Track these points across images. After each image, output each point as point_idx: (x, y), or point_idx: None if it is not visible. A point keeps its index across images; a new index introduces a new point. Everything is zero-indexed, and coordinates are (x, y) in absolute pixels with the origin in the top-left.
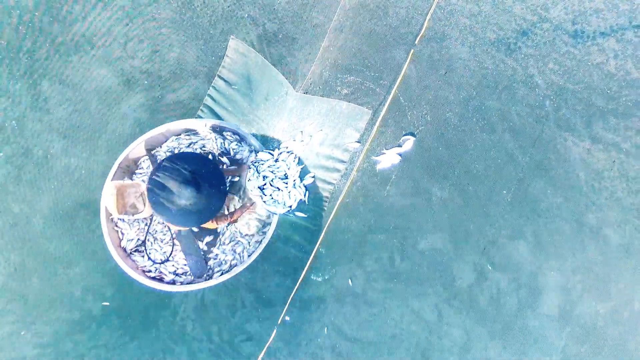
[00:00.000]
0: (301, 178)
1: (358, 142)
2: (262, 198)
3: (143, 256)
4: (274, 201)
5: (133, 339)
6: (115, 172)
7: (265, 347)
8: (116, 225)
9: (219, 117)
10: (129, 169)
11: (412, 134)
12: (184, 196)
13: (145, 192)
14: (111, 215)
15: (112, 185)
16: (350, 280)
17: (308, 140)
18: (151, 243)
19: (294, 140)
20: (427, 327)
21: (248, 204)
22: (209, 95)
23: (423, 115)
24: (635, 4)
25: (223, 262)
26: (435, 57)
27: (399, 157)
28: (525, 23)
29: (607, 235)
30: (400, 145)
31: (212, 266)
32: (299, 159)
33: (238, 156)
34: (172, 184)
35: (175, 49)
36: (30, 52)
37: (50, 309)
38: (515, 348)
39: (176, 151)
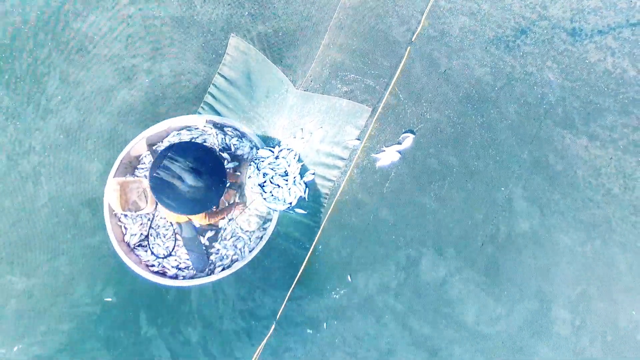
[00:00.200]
0: (301, 175)
1: (358, 139)
2: (262, 195)
3: (146, 251)
4: (274, 198)
5: (134, 334)
6: (118, 168)
7: (264, 341)
8: (119, 221)
9: (219, 115)
10: (131, 165)
11: (412, 132)
12: (187, 183)
13: (147, 189)
14: (114, 211)
15: (114, 182)
16: (349, 276)
17: (308, 138)
18: (154, 238)
19: (294, 138)
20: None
21: (241, 203)
22: (210, 93)
23: (423, 113)
24: (632, 2)
25: (224, 257)
26: (435, 55)
27: (399, 155)
28: (524, 21)
29: (604, 231)
30: (399, 143)
31: (214, 261)
32: (299, 156)
33: (239, 152)
34: (175, 170)
35: (176, 47)
36: (32, 51)
37: (53, 305)
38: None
39: None
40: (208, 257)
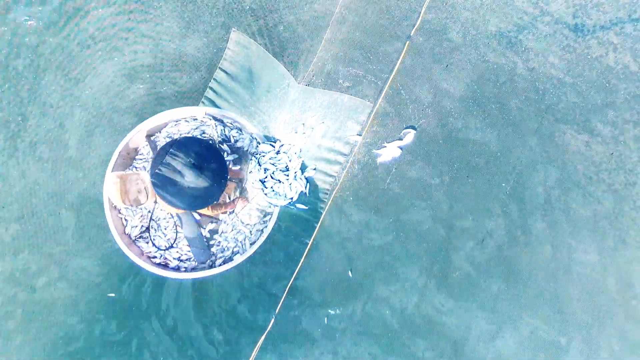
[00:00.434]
0: (302, 170)
1: (359, 134)
2: (263, 191)
3: (147, 242)
4: (275, 193)
5: (135, 330)
6: (116, 160)
7: (264, 335)
8: (119, 212)
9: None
10: (129, 156)
11: (413, 127)
12: (188, 178)
13: (146, 182)
14: (114, 204)
15: (113, 176)
16: (350, 272)
17: (309, 133)
18: (155, 230)
19: (296, 133)
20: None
21: (243, 197)
22: (211, 88)
23: (424, 108)
24: None
25: (225, 249)
26: (437, 50)
27: (400, 150)
28: (526, 16)
29: (604, 227)
30: (401, 139)
31: (214, 253)
32: (300, 151)
33: (239, 144)
34: (177, 165)
35: (177, 42)
36: (34, 48)
37: (56, 302)
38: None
39: (175, 137)
40: (209, 249)
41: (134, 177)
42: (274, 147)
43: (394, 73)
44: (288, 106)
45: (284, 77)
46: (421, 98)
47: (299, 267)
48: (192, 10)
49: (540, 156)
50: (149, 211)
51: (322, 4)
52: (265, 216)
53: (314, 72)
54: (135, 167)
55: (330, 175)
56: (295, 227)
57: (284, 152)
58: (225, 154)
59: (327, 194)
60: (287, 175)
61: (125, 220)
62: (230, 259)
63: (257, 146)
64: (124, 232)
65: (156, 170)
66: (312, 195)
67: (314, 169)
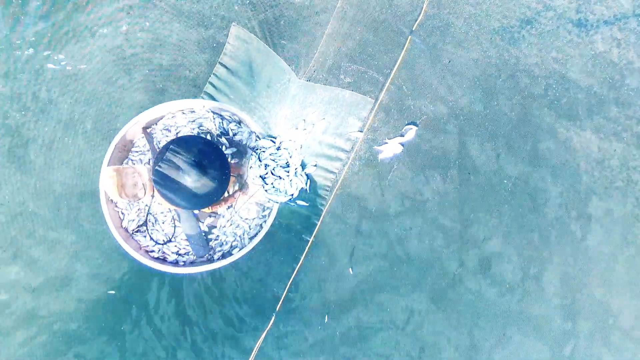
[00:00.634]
0: (303, 167)
1: (360, 131)
2: (263, 187)
3: (145, 236)
4: (276, 190)
5: (135, 327)
6: (112, 153)
7: (264, 334)
8: (116, 206)
9: None
10: (126, 149)
11: (415, 124)
12: (190, 177)
13: (143, 175)
14: (110, 197)
15: (110, 169)
16: (350, 269)
17: (310, 129)
18: (152, 224)
19: (296, 129)
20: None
21: (243, 193)
22: (210, 83)
23: (426, 104)
24: None
25: (224, 243)
26: (439, 45)
27: (401, 147)
28: (529, 11)
29: (607, 224)
30: (402, 135)
31: (213, 247)
32: (301, 147)
33: (237, 137)
34: (178, 163)
35: (176, 36)
36: (32, 42)
37: (57, 300)
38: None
39: (172, 129)
40: (207, 243)
41: (130, 171)
42: (274, 142)
43: (395, 69)
44: (289, 102)
45: (284, 72)
46: (423, 94)
47: (299, 264)
48: (192, 4)
49: (542, 152)
50: (146, 205)
51: None
52: (264, 211)
53: (315, 67)
54: (132, 160)
55: (331, 172)
56: (295, 224)
57: (284, 148)
58: (224, 147)
59: (327, 190)
60: (288, 172)
61: (122, 214)
62: (229, 254)
63: (257, 140)
64: (121, 226)
65: (156, 167)
66: (313, 191)
67: (315, 166)
